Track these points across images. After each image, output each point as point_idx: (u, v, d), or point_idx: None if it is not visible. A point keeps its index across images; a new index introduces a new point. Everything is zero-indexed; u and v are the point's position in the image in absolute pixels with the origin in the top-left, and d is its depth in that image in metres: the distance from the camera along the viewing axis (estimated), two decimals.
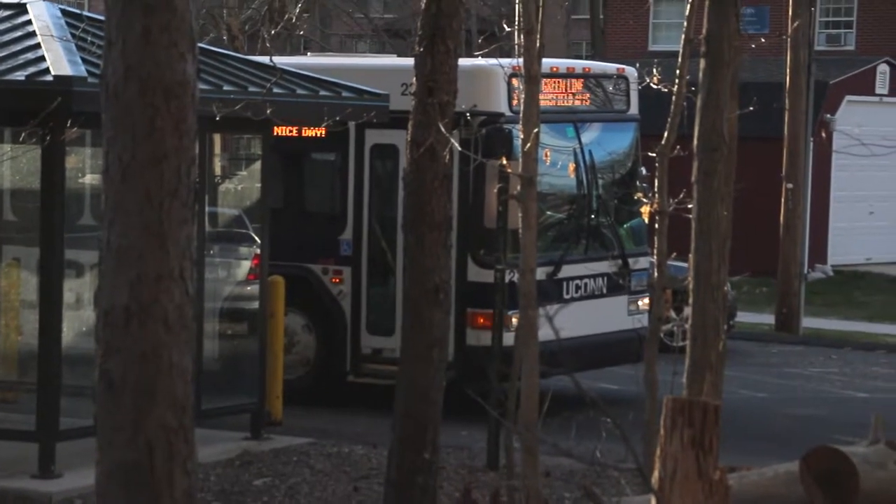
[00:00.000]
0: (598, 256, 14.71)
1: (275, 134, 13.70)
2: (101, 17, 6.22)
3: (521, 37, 8.95)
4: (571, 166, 14.53)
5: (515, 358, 9.48)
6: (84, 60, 10.81)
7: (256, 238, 13.22)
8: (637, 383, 9.06)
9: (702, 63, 7.21)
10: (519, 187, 8.76)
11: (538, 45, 8.93)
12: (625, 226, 15.22)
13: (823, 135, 21.71)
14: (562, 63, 15.22)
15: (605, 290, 14.80)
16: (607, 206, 14.94)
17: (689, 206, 7.60)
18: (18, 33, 11.39)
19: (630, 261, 14.94)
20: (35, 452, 10.90)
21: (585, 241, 14.75)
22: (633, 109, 15.43)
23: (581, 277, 14.58)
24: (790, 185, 20.99)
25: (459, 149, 10.01)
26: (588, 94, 15.12)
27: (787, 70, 21.08)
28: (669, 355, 8.98)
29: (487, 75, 13.89)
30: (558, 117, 14.50)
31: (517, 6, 9.02)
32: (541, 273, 13.92)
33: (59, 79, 10.58)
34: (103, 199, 5.53)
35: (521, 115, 8.87)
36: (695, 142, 7.25)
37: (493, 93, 13.98)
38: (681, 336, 15.16)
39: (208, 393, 12.25)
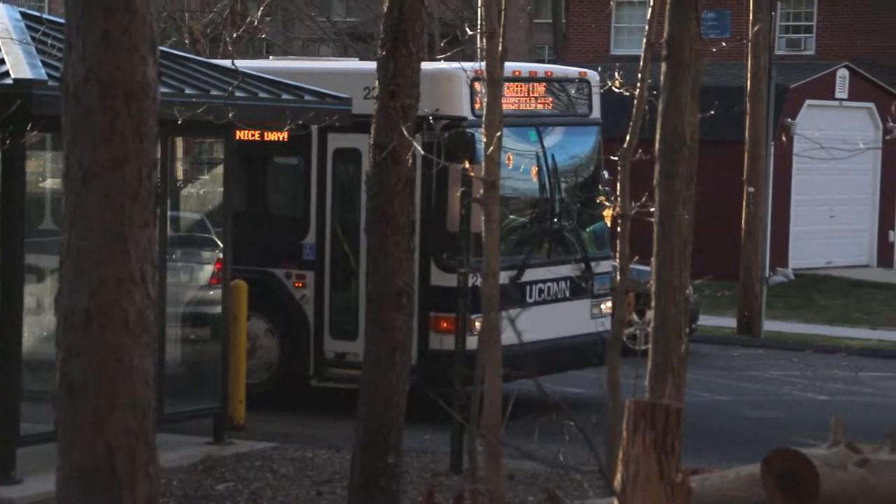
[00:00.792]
0: (560, 260, 14.73)
1: (237, 138, 13.67)
2: (62, 20, 6.19)
3: (483, 40, 8.96)
4: (534, 170, 14.54)
5: (478, 361, 9.48)
6: (44, 63, 10.75)
7: (219, 242, 13.18)
8: (600, 386, 9.09)
9: (663, 67, 7.24)
10: (481, 191, 8.76)
11: (500, 48, 8.94)
12: (587, 229, 15.24)
13: (784, 139, 21.82)
14: (524, 66, 15.24)
15: (567, 294, 14.82)
16: (570, 210, 14.96)
17: (651, 209, 7.63)
18: None
19: (593, 264, 14.97)
20: None
21: (548, 245, 14.77)
22: (596, 113, 15.46)
23: (544, 281, 14.60)
24: (751, 189, 21.09)
25: (423, 152, 9.99)
26: (550, 98, 15.13)
27: (748, 74, 21.19)
28: (632, 358, 9.01)
29: (450, 79, 13.90)
30: (520, 121, 14.51)
31: (479, 10, 9.04)
32: (504, 277, 13.99)
33: (18, 82, 10.51)
34: (63, 203, 5.50)
35: (483, 118, 8.88)
36: (656, 145, 7.28)
37: (455, 96, 13.98)
38: (643, 339, 15.21)
39: (171, 397, 12.20)
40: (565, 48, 38.64)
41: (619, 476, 5.64)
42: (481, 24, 9.04)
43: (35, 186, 12.23)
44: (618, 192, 9.45)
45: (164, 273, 12.32)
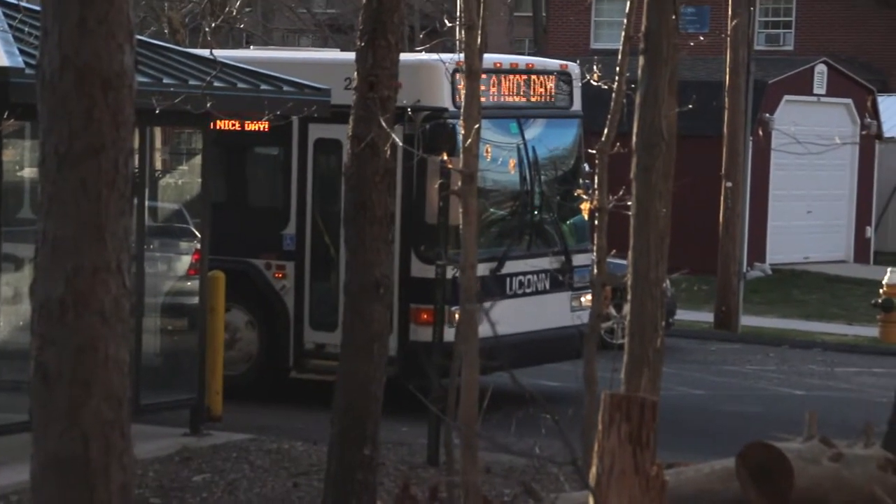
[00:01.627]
0: (540, 253, 14.71)
1: (218, 128, 13.62)
2: (38, 8, 6.16)
3: (463, 33, 8.95)
4: (514, 162, 14.53)
5: (455, 354, 9.47)
6: (21, 52, 10.70)
7: (197, 233, 13.15)
8: (577, 380, 9.10)
9: (641, 60, 7.25)
10: (459, 183, 8.76)
11: (479, 41, 8.93)
12: (567, 222, 15.24)
13: (761, 133, 21.87)
14: (505, 59, 15.22)
15: (547, 287, 14.82)
16: (550, 203, 14.96)
17: (629, 202, 7.64)
18: None
19: (572, 257, 14.98)
20: None
21: (528, 238, 14.76)
22: (577, 106, 15.46)
23: (524, 274, 14.59)
24: (729, 184, 21.13)
25: (401, 144, 9.98)
26: (531, 91, 15.12)
27: (727, 69, 21.22)
28: (609, 352, 9.02)
29: (431, 70, 13.88)
30: (501, 113, 14.50)
31: (458, 2, 9.03)
32: (484, 269, 13.98)
33: None
34: (40, 191, 5.48)
35: (470, 110, 8.87)
36: (633, 139, 7.29)
37: (436, 88, 13.95)
38: (621, 333, 15.21)
39: (148, 388, 12.17)
40: (545, 42, 38.66)
41: (594, 469, 5.65)
42: (460, 17, 9.03)
43: (13, 175, 12.17)
44: (595, 186, 9.46)
45: (142, 263, 12.29)
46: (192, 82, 11.64)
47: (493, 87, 14.58)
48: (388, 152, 9.93)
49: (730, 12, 21.14)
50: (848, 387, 17.02)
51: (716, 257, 21.27)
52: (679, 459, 8.61)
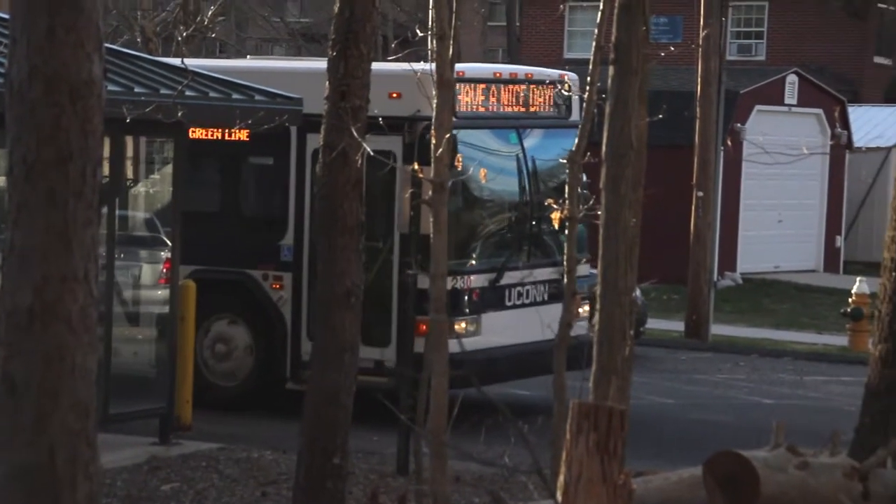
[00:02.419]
0: (539, 263, 14.53)
1: (215, 137, 13.58)
2: (6, 16, 6.15)
3: (434, 43, 8.97)
4: (514, 173, 14.45)
5: (425, 364, 9.48)
6: None
7: (168, 242, 13.13)
8: (549, 389, 9.12)
9: (611, 70, 7.28)
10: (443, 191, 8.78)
11: (451, 51, 8.96)
12: (566, 232, 15.15)
13: (730, 143, 21.96)
14: (504, 69, 15.09)
15: (546, 297, 14.71)
16: (549, 213, 14.81)
17: (599, 212, 7.66)
18: None
19: None
20: None
21: (527, 248, 14.66)
22: (575, 115, 15.31)
23: (522, 284, 14.50)
24: (700, 194, 21.21)
25: (371, 152, 9.98)
26: (530, 100, 14.93)
27: (699, 79, 21.31)
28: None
29: (431, 80, 13.85)
30: (501, 123, 14.42)
31: (430, 12, 9.05)
32: (484, 280, 13.92)
33: None
34: (7, 200, 5.47)
35: (433, 119, 8.90)
36: (603, 148, 7.32)
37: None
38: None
39: (117, 397, 12.14)
40: (519, 51, 38.76)
41: (562, 477, 5.67)
42: (432, 26, 9.05)
43: None
44: (567, 195, 9.49)
45: (112, 272, 12.26)
46: (163, 91, 11.63)
47: (493, 97, 14.48)
48: (360, 161, 9.94)
49: (701, 22, 21.23)
50: (817, 395, 17.10)
51: (686, 266, 21.35)
52: (648, 468, 8.64)
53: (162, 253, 13.38)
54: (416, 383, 12.56)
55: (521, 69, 15.64)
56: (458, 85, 13.61)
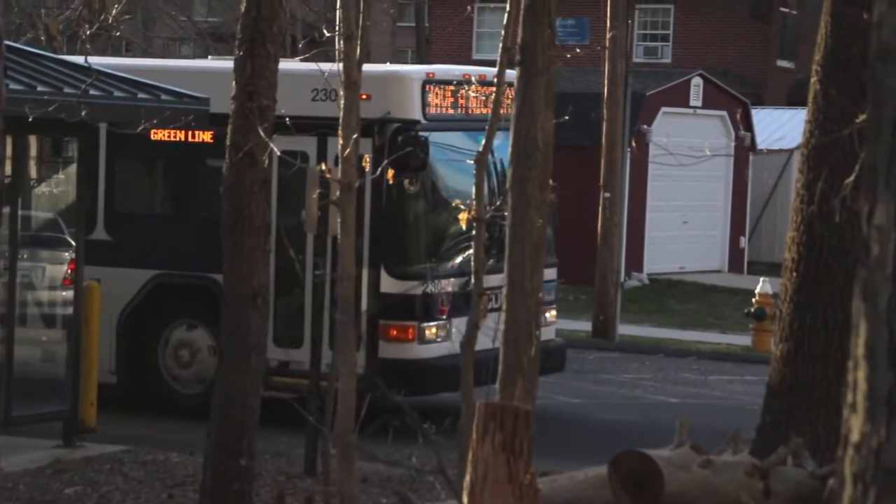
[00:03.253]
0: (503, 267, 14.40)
1: (178, 140, 13.39)
2: None
3: (342, 42, 8.96)
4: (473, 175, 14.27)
5: (332, 365, 9.46)
6: None
7: (73, 242, 12.98)
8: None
9: (517, 72, 7.32)
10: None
11: (358, 51, 8.96)
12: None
13: (634, 145, 22.16)
14: (473, 70, 14.84)
15: None
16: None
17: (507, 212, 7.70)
18: None
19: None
20: None
21: (495, 252, 14.51)
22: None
23: (492, 289, 14.35)
24: (607, 195, 21.38)
25: (279, 154, 9.94)
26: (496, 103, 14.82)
27: (605, 81, 21.48)
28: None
29: (402, 81, 13.65)
30: (469, 125, 14.17)
31: (338, 12, 9.04)
32: (454, 285, 13.76)
33: None
34: None
35: (340, 120, 8.89)
36: (509, 149, 7.36)
37: (406, 99, 13.61)
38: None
39: (20, 400, 11.98)
40: (428, 52, 38.80)
41: (468, 477, 5.70)
42: (339, 27, 9.04)
43: None
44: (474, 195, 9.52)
45: (14, 273, 12.10)
46: (67, 90, 11.50)
47: (462, 99, 14.23)
48: (267, 162, 9.90)
49: (608, 24, 21.41)
50: (721, 394, 17.30)
51: (594, 267, 21.50)
52: (555, 468, 8.70)
53: (66, 254, 13.23)
54: (388, 387, 12.40)
55: (489, 71, 15.42)
56: (427, 87, 13.52)
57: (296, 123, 13.16)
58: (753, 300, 20.82)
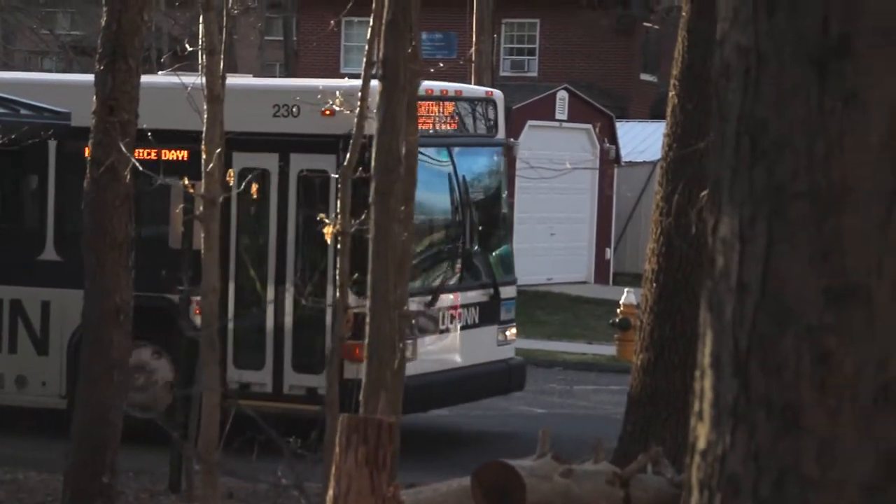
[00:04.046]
0: (470, 285, 14.12)
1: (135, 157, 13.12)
2: None
3: (204, 57, 8.92)
4: (444, 192, 14.02)
5: (196, 382, 9.39)
6: None
7: None
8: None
9: (378, 86, 7.35)
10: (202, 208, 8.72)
11: (221, 65, 8.92)
12: (494, 253, 14.95)
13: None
14: (435, 85, 14.52)
15: (476, 321, 14.33)
16: (477, 234, 14.39)
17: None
18: None
19: (500, 289, 14.49)
20: None
21: (459, 270, 14.20)
22: (501, 133, 15.01)
23: (454, 307, 14.10)
24: None
25: (139, 169, 9.85)
26: (459, 118, 14.55)
27: None
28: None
29: (372, 96, 13.38)
30: (431, 141, 13.87)
31: (201, 26, 8.99)
32: (419, 303, 13.53)
33: None
34: None
35: (211, 135, 8.84)
36: (372, 163, 7.39)
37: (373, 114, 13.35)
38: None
39: None
40: (296, 65, 38.70)
41: (331, 491, 5.70)
42: (202, 41, 9.00)
43: None
44: (339, 210, 9.54)
45: None
46: None
47: (425, 114, 13.90)
48: (129, 177, 9.81)
49: (474, 39, 21.56)
50: (586, 404, 17.49)
51: None
52: (420, 480, 8.73)
53: None
54: (346, 406, 12.05)
55: (450, 86, 15.09)
56: None
57: (257, 140, 12.97)
58: (618, 310, 21.08)
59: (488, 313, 14.48)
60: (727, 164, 2.84)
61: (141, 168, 9.65)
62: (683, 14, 9.72)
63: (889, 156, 2.62)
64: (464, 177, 14.37)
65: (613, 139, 28.09)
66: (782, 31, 2.66)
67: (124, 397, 9.74)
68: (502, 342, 14.84)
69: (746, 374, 2.73)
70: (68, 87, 14.11)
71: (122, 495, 10.58)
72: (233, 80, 16.34)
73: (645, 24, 37.17)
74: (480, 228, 14.55)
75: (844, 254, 2.65)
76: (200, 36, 9.10)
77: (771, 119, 2.69)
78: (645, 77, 38.09)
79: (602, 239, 28.81)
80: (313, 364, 13.23)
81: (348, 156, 9.59)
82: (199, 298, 13.07)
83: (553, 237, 27.80)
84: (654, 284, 9.30)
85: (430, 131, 14.01)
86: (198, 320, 13.34)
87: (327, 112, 12.95)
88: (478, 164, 14.91)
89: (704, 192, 7.40)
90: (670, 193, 8.98)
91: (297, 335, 13.40)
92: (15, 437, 13.73)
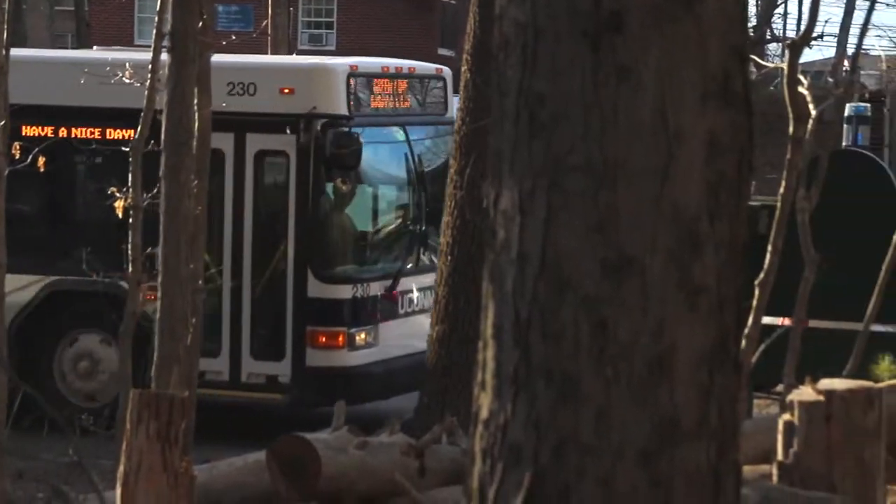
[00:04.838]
0: (426, 268, 13.39)
1: (91, 136, 12.46)
2: None
3: None
4: (398, 172, 13.59)
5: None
6: None
7: None
8: None
9: (168, 59, 7.26)
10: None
11: (5, 35, 8.68)
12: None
13: None
14: (390, 62, 14.11)
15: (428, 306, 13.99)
16: (432, 215, 13.68)
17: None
18: None
19: None
20: None
21: (417, 252, 13.60)
22: (451, 112, 14.30)
23: (411, 291, 13.38)
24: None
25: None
26: (412, 96, 14.05)
27: None
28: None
29: (328, 74, 12.76)
30: (386, 120, 13.44)
31: None
32: (379, 287, 13.08)
33: None
34: None
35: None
36: (162, 137, 7.30)
37: (334, 93, 12.70)
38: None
39: None
40: (88, 36, 37.89)
41: (122, 467, 5.64)
42: None
43: None
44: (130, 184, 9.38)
45: None
46: None
47: (382, 92, 13.44)
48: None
49: (269, 11, 21.44)
50: None
51: None
52: (216, 456, 8.66)
53: None
54: (316, 400, 11.56)
55: (404, 63, 14.54)
56: (351, 80, 12.87)
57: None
58: None
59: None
60: (507, 137, 2.89)
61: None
62: None
63: (661, 131, 2.69)
64: (419, 156, 13.92)
65: None
66: (557, 6, 2.71)
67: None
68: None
69: (527, 344, 2.78)
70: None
71: None
72: (70, 53, 15.76)
73: None
74: (435, 209, 14.13)
75: (619, 227, 2.72)
76: None
77: (548, 93, 2.74)
78: (443, 51, 38.34)
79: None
80: (273, 351, 12.82)
81: (139, 128, 9.41)
82: (151, 284, 12.79)
83: None
84: (449, 257, 9.40)
85: (385, 110, 13.55)
86: (150, 306, 12.77)
87: (286, 90, 12.18)
88: (431, 144, 14.41)
89: None
90: (464, 167, 9.08)
91: (256, 321, 12.97)
92: None
